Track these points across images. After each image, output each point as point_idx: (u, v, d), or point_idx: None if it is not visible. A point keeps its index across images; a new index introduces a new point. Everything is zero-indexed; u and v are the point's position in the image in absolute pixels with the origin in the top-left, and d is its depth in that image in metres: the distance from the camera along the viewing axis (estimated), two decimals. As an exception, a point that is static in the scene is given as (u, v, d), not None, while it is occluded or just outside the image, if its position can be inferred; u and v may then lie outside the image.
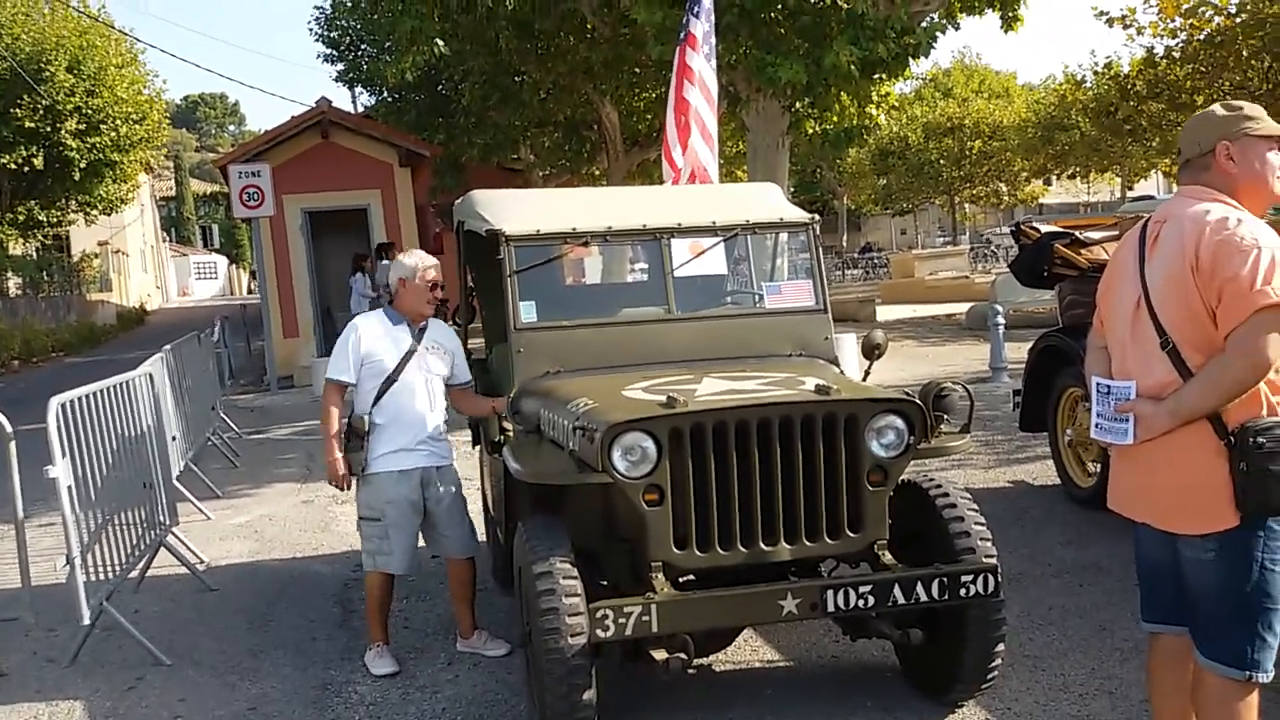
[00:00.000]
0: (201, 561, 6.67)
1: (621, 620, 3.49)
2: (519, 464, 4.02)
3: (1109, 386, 3.02)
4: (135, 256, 46.81)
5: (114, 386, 5.70)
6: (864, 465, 3.79)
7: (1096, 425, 3.04)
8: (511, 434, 4.81)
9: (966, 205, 41.89)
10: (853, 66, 11.54)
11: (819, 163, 38.35)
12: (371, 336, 4.79)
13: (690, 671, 4.43)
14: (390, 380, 4.73)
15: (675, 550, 3.70)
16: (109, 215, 35.45)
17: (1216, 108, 3.03)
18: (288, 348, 17.26)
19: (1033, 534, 6.12)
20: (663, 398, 3.76)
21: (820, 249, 5.26)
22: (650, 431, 3.64)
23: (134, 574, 5.89)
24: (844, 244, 43.87)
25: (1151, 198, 25.12)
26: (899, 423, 3.83)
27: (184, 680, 4.77)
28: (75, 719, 4.43)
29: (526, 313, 4.81)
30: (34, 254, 34.67)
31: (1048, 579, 5.36)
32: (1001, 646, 3.88)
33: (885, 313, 20.91)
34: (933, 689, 4.08)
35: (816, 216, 5.29)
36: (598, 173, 23.49)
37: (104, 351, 26.03)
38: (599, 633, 3.48)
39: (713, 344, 4.87)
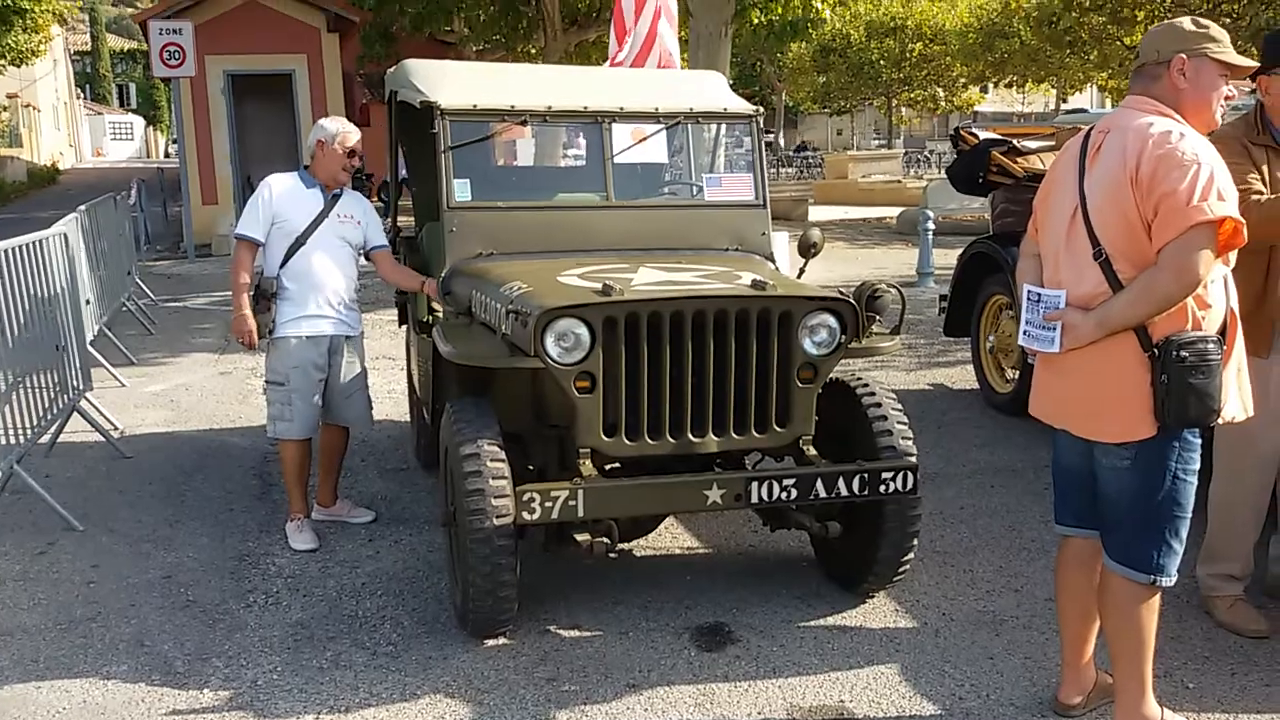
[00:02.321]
0: (116, 429, 6.54)
1: (548, 504, 3.50)
2: (449, 345, 3.95)
3: (1039, 294, 3.04)
4: (47, 112, 44.71)
5: (26, 245, 5.47)
6: (795, 362, 3.81)
7: (1024, 333, 3.08)
8: (441, 315, 4.75)
9: (904, 109, 41.79)
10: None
11: (759, 56, 37.86)
12: (282, 196, 4.70)
13: (611, 556, 4.49)
14: (299, 243, 4.65)
15: (604, 438, 3.70)
16: (18, 67, 33.60)
17: (1185, 21, 3.01)
18: (206, 215, 16.73)
19: (949, 436, 6.27)
20: (598, 285, 3.72)
21: (762, 143, 5.19)
22: (585, 319, 3.61)
23: (45, 439, 5.75)
24: (781, 142, 43.60)
25: (1085, 111, 25.25)
26: (832, 321, 3.85)
27: (97, 546, 4.71)
28: (-16, 581, 4.35)
29: (461, 191, 4.69)
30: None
31: (961, 479, 5.51)
32: (915, 542, 3.98)
33: (818, 213, 20.95)
34: (846, 580, 4.20)
35: (761, 109, 5.21)
36: (534, 51, 22.87)
37: (13, 210, 25.02)
38: (525, 515, 3.49)
39: (649, 234, 4.82)
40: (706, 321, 3.69)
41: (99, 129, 58.74)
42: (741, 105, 5.15)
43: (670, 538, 4.76)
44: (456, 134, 4.69)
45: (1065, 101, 38.01)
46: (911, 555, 4.01)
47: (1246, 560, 3.88)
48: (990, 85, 35.21)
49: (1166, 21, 3.09)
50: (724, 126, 5.27)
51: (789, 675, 3.56)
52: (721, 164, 5.45)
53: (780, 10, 13.43)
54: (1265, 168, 3.65)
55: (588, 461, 3.69)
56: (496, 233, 4.66)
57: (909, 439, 3.97)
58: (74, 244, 7.01)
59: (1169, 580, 3.00)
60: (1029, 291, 3.08)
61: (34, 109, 41.31)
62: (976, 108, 43.88)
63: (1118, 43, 20.91)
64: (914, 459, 3.89)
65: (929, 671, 3.58)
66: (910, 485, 3.77)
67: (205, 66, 16.92)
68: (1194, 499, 2.98)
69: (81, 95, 58.80)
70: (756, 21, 13.56)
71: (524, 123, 4.87)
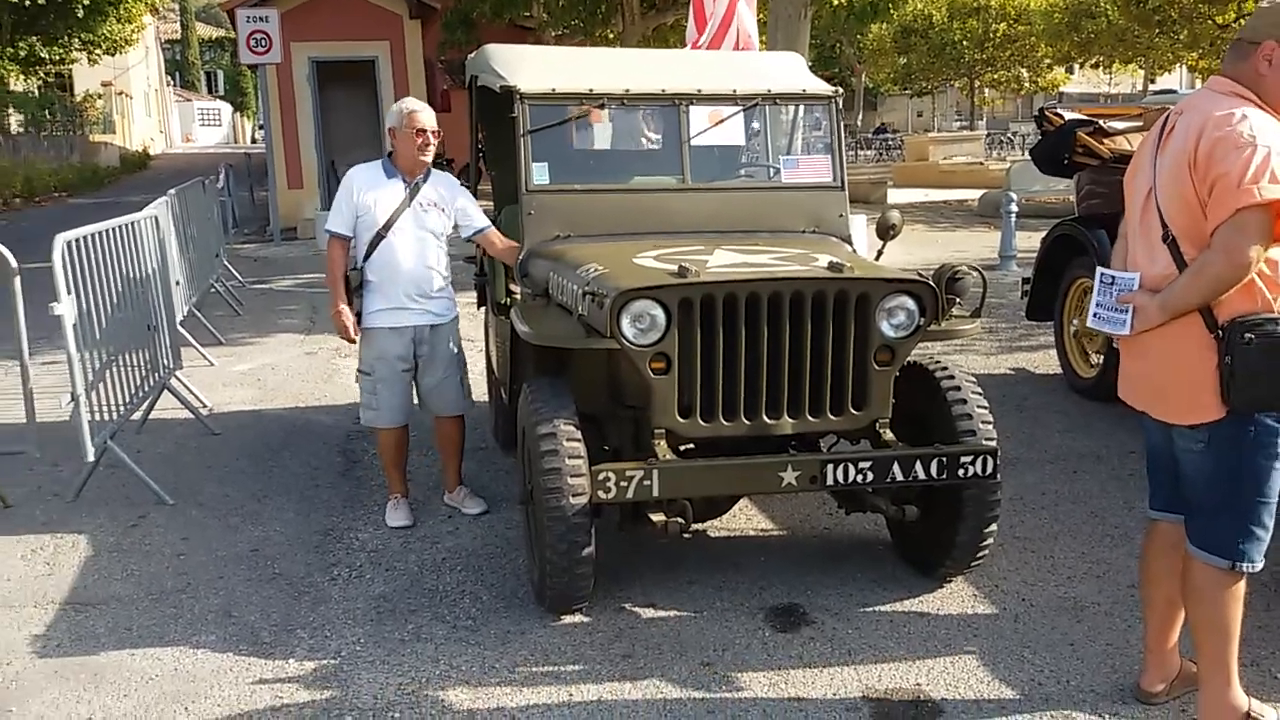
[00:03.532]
0: (205, 406, 6.72)
1: (623, 484, 3.52)
2: (527, 326, 4.01)
3: (1114, 277, 3.04)
4: (139, 99, 45.99)
5: (119, 227, 5.65)
6: (872, 344, 3.78)
7: (1094, 315, 3.07)
8: (519, 296, 4.81)
9: (986, 90, 40.94)
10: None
11: (839, 37, 37.38)
12: (364, 188, 4.68)
13: (686, 537, 4.51)
14: (380, 234, 4.64)
15: (679, 419, 3.72)
16: (112, 56, 34.68)
17: None
18: (291, 199, 17.08)
19: (1031, 421, 6.16)
20: (674, 267, 3.73)
21: (841, 124, 5.15)
22: (660, 300, 3.62)
23: (137, 415, 5.96)
24: (859, 123, 43.03)
25: (1174, 92, 24.54)
26: (910, 303, 3.81)
27: (187, 520, 4.86)
28: (80, 551, 4.52)
29: (539, 174, 4.73)
30: (35, 92, 34.08)
31: (1043, 464, 5.42)
32: (994, 527, 3.94)
33: (897, 195, 20.66)
34: (923, 565, 4.16)
35: (839, 90, 5.17)
36: (612, 36, 22.89)
37: (107, 194, 25.80)
38: (600, 494, 3.52)
39: (726, 216, 4.82)
40: (782, 303, 3.68)
41: (188, 115, 60.26)
42: (820, 86, 5.11)
43: (745, 519, 4.77)
44: (535, 118, 4.73)
45: (1154, 82, 36.92)
46: (991, 540, 3.96)
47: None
48: (1076, 66, 34.30)
49: (1269, 5, 2.98)
50: (802, 108, 5.24)
51: (864, 658, 3.55)
52: (799, 146, 5.42)
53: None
54: None
55: (663, 442, 3.72)
56: (574, 215, 4.70)
57: (989, 423, 3.92)
58: (164, 227, 7.22)
59: (1252, 566, 2.94)
60: (1102, 274, 3.07)
61: (126, 96, 42.50)
62: (1062, 89, 42.79)
63: (1209, 21, 20.24)
64: (994, 443, 3.84)
65: (1008, 657, 3.54)
66: (989, 470, 3.72)
67: (291, 53, 17.23)
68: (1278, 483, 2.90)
69: (171, 82, 60.33)
70: (836, 3, 13.38)
71: (602, 106, 4.90)
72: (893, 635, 3.70)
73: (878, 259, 4.74)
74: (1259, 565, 2.95)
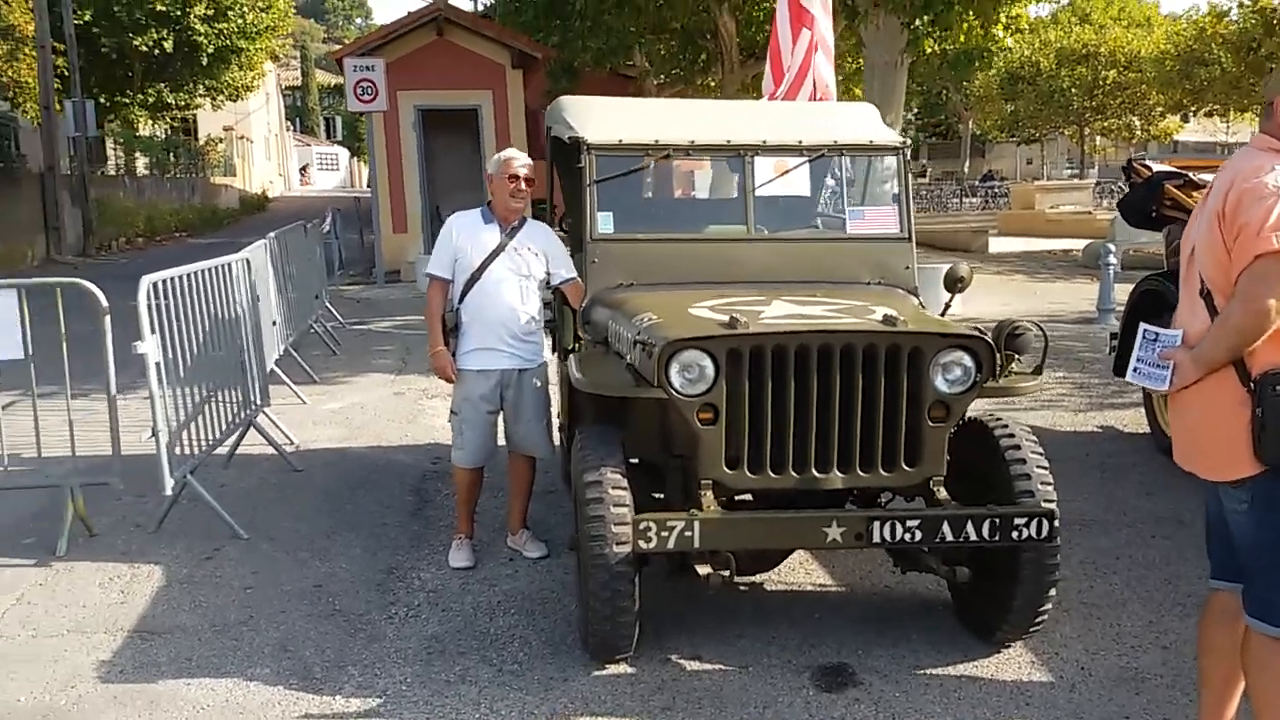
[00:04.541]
0: (291, 443, 6.93)
1: (664, 534, 3.53)
2: (579, 373, 4.07)
3: (1157, 333, 3.02)
4: (259, 143, 47.93)
5: (208, 269, 5.89)
6: (926, 400, 3.73)
7: (1134, 370, 3.05)
8: (582, 343, 4.87)
9: (1097, 137, 40.10)
10: (973, -17, 11.06)
11: (945, 84, 37.05)
12: (463, 234, 4.83)
13: (742, 589, 4.51)
14: (474, 277, 4.76)
15: (726, 470, 3.71)
16: (234, 101, 36.33)
17: None
18: (396, 243, 17.58)
19: (1112, 481, 5.97)
20: (725, 318, 3.74)
21: (909, 174, 5.12)
22: (709, 350, 3.64)
23: (224, 451, 6.18)
24: (965, 170, 42.47)
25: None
26: (966, 359, 3.75)
27: (259, 554, 5.01)
28: (154, 581, 4.69)
29: (604, 223, 4.82)
30: (162, 135, 35.80)
31: (1120, 528, 5.24)
32: (1053, 592, 3.82)
33: (1000, 245, 20.33)
34: (981, 628, 4.06)
35: (908, 141, 5.16)
36: (712, 84, 23.11)
37: (225, 235, 26.85)
38: (641, 544, 3.52)
39: (791, 266, 4.82)
40: (833, 355, 3.66)
41: (307, 159, 62.52)
42: (888, 137, 5.10)
43: (805, 573, 4.71)
44: (602, 168, 4.82)
45: (1277, 129, 35.62)
46: (1049, 605, 3.85)
47: None
48: (1190, 114, 33.35)
49: None
50: (870, 159, 5.22)
51: (908, 721, 3.47)
52: (871, 196, 5.40)
53: (958, 40, 13.12)
54: None
55: (709, 493, 3.71)
56: (637, 264, 4.75)
57: (1049, 483, 3.83)
58: (259, 268, 7.51)
59: None
60: (1145, 330, 3.05)
61: (247, 140, 44.34)
62: (1176, 137, 41.65)
63: (1330, 67, 19.50)
64: (1052, 505, 3.74)
65: (1058, 727, 3.43)
66: (1045, 533, 3.62)
67: (398, 101, 17.82)
68: None
69: (291, 128, 62.75)
70: (930, 50, 13.29)
71: (667, 157, 4.97)
72: (941, 700, 3.61)
73: (945, 311, 4.69)
74: None
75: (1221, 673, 3.07)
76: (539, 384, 4.92)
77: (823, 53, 7.51)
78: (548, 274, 4.93)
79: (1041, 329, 4.04)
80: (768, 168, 5.09)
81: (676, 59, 23.04)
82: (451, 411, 4.91)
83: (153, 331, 4.95)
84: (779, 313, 4.01)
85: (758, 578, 4.54)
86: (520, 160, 4.87)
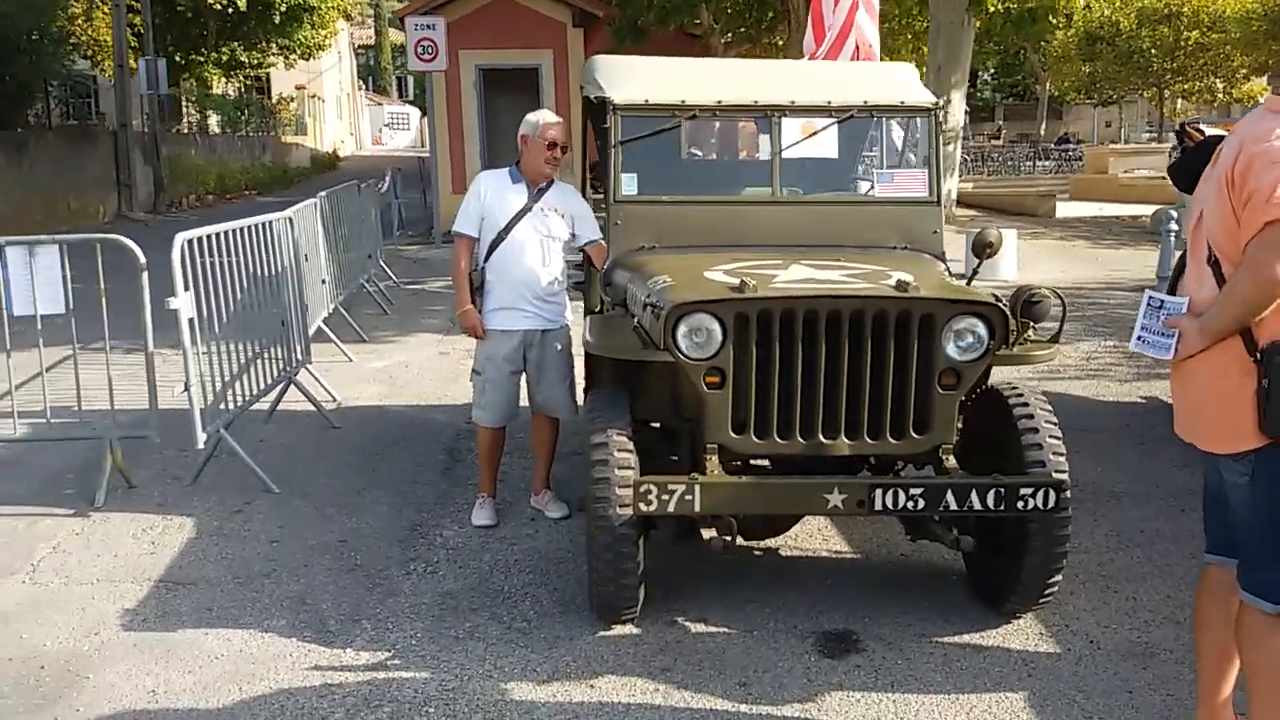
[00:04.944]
0: (334, 401, 7.06)
1: (665, 497, 3.54)
2: (591, 335, 4.09)
3: (1162, 300, 2.93)
4: (331, 103, 48.46)
5: (248, 227, 5.99)
6: (936, 366, 3.68)
7: (1139, 339, 2.96)
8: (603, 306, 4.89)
9: (1178, 100, 38.78)
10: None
11: (1023, 44, 36.08)
12: (490, 192, 4.87)
13: (757, 554, 4.53)
14: (500, 237, 4.80)
15: (733, 435, 3.71)
16: (307, 60, 36.76)
17: None
18: (455, 203, 17.34)
19: (1149, 454, 5.84)
20: (736, 281, 3.73)
21: (940, 137, 5.03)
22: (716, 314, 3.62)
23: (266, 406, 6.32)
24: (1041, 132, 41.41)
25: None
26: (979, 326, 3.69)
27: (288, 509, 5.14)
28: (185, 532, 4.84)
29: (628, 185, 4.82)
30: (236, 94, 36.37)
31: (1151, 500, 5.14)
32: (1063, 564, 3.77)
33: (1069, 209, 19.87)
34: (992, 599, 4.03)
35: (940, 102, 5.05)
36: (780, 42, 22.80)
37: (295, 193, 27.16)
38: (641, 506, 3.54)
39: (816, 230, 4.78)
40: (841, 321, 3.63)
41: (378, 118, 63.12)
42: (920, 98, 5.00)
43: (822, 539, 4.71)
44: (627, 129, 4.81)
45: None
46: (1059, 577, 3.80)
47: None
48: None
49: None
50: (901, 120, 5.13)
51: (906, 690, 3.47)
52: (898, 159, 5.31)
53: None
54: None
55: (714, 457, 3.72)
56: (660, 226, 4.75)
57: (1061, 454, 3.77)
58: (308, 227, 7.64)
59: None
60: (1150, 297, 2.97)
61: (319, 99, 44.87)
62: (1260, 100, 40.12)
63: None
64: (1063, 475, 3.68)
65: (1057, 700, 3.40)
66: (1053, 503, 3.57)
67: (459, 60, 17.89)
68: None
69: (363, 87, 63.30)
70: (993, 9, 12.97)
71: (693, 117, 4.93)
72: (943, 669, 3.60)
73: (972, 277, 4.61)
74: None
75: (1217, 648, 3.02)
76: (561, 346, 4.95)
77: (865, 12, 7.36)
78: (573, 235, 4.94)
79: (1060, 297, 3.96)
80: (795, 129, 5.03)
81: (743, 17, 22.75)
82: (474, 371, 4.96)
83: (186, 288, 5.06)
84: (795, 276, 3.98)
85: (772, 542, 4.54)
86: (559, 127, 4.88)
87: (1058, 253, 13.85)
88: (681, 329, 3.62)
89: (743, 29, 23.20)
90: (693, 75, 5.34)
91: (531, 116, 4.95)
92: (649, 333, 3.77)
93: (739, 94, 4.90)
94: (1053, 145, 36.30)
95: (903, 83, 5.27)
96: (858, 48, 7.31)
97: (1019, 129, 45.45)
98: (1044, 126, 42.55)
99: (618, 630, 3.86)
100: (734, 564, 4.35)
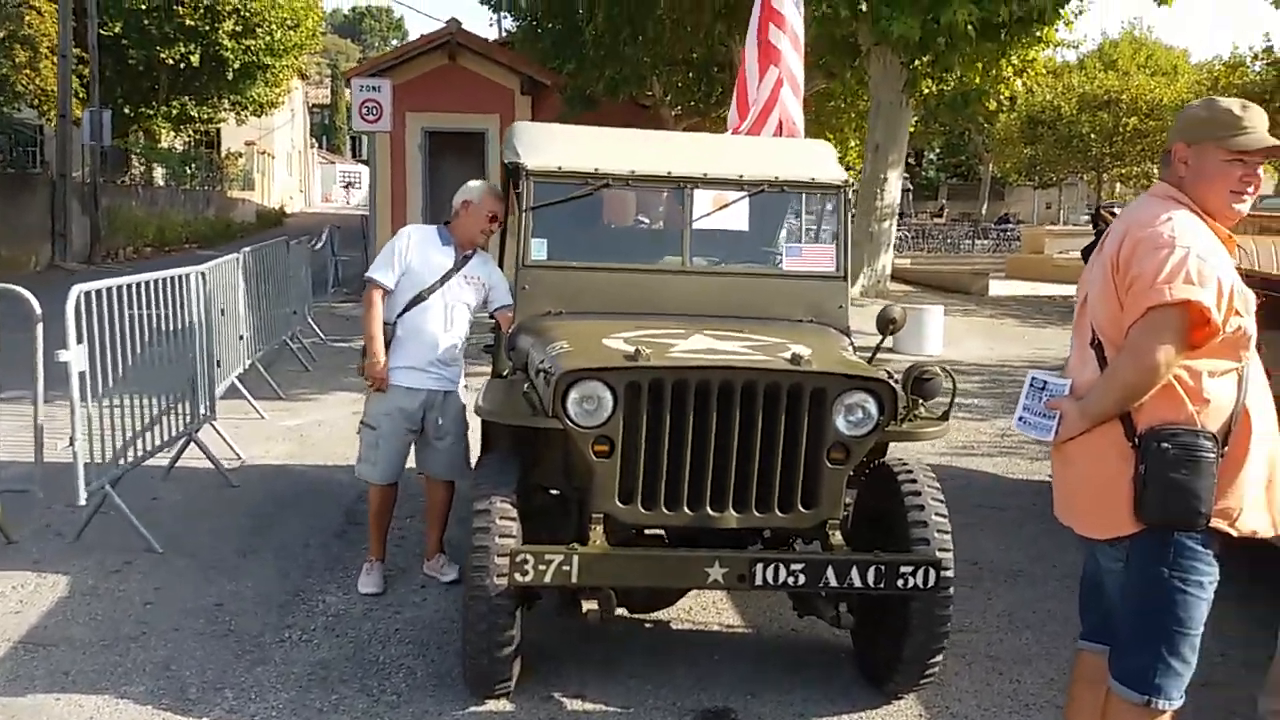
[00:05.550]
0: (238, 459, 6.89)
1: (542, 567, 3.45)
2: (483, 399, 4.01)
3: (1045, 381, 2.92)
4: (281, 159, 48.37)
5: (154, 281, 5.87)
6: (826, 441, 3.66)
7: (1020, 419, 2.94)
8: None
9: (1116, 184, 39.89)
10: (970, 27, 11.08)
11: (968, 126, 36.99)
12: (417, 248, 4.83)
13: (648, 625, 4.43)
14: (420, 297, 4.76)
15: (619, 504, 3.64)
16: (259, 117, 36.66)
17: (1197, 105, 2.89)
18: (394, 262, 17.58)
19: (1051, 532, 5.75)
20: (632, 349, 3.68)
21: (849, 214, 5.06)
22: (607, 381, 3.58)
23: (163, 462, 6.15)
24: (983, 212, 42.28)
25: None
26: (869, 401, 3.68)
27: (169, 569, 4.96)
28: (57, 591, 4.65)
29: (537, 250, 4.78)
30: (186, 148, 36.13)
31: (1048, 581, 5.13)
32: (944, 643, 3.73)
33: (1002, 288, 20.17)
34: (874, 677, 3.97)
35: (851, 180, 5.09)
36: (727, 115, 23.13)
37: (235, 247, 26.94)
38: (517, 576, 3.45)
39: (724, 301, 4.76)
40: (734, 392, 3.60)
41: (330, 176, 63.07)
42: (831, 175, 5.03)
43: (715, 612, 4.63)
44: (540, 194, 4.79)
45: (1298, 183, 35.39)
46: (940, 657, 3.76)
47: (1313, 699, 3.44)
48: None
49: (1185, 107, 2.93)
50: (811, 196, 5.17)
51: (779, 772, 3.37)
52: (811, 234, 5.35)
53: (954, 81, 13.12)
54: None
55: (598, 527, 3.65)
56: (568, 292, 4.70)
57: (946, 532, 3.74)
58: (224, 282, 7.52)
59: (1169, 704, 2.75)
60: (1033, 378, 2.96)
61: (269, 155, 44.75)
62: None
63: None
64: (947, 554, 3.66)
65: (931, 786, 3.32)
66: (932, 582, 3.54)
67: (405, 122, 17.95)
68: (1203, 614, 2.72)
69: (316, 145, 63.31)
70: (927, 91, 13.28)
71: (606, 185, 4.92)
72: (818, 750, 3.51)
73: (874, 353, 4.61)
74: (1176, 703, 2.76)
75: (1088, 736, 2.98)
76: (458, 409, 4.88)
77: (790, 89, 7.45)
78: (486, 301, 4.94)
79: (951, 374, 3.97)
80: (709, 200, 5.05)
81: (692, 90, 23.10)
82: (365, 424, 4.85)
83: (80, 341, 4.92)
84: (694, 346, 3.95)
85: (664, 614, 4.46)
86: (500, 200, 4.97)
87: (986, 330, 14.01)
88: (572, 395, 3.57)
89: (691, 102, 23.56)
90: (610, 144, 5.34)
91: (475, 184, 4.98)
92: (541, 398, 3.71)
93: (654, 164, 4.90)
94: (993, 225, 37.05)
95: (818, 159, 5.30)
96: (781, 124, 7.39)
97: (962, 208, 46.36)
98: (986, 206, 43.47)
99: (490, 705, 3.74)
100: (621, 637, 4.25)
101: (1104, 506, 2.73)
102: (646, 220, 6.09)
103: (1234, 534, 2.69)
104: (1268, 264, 6.23)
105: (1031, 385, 2.95)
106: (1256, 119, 2.75)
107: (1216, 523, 2.65)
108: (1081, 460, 2.81)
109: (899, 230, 19.28)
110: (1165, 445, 2.60)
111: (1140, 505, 2.64)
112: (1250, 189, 2.76)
